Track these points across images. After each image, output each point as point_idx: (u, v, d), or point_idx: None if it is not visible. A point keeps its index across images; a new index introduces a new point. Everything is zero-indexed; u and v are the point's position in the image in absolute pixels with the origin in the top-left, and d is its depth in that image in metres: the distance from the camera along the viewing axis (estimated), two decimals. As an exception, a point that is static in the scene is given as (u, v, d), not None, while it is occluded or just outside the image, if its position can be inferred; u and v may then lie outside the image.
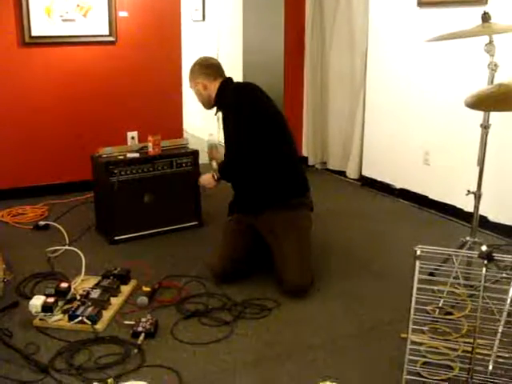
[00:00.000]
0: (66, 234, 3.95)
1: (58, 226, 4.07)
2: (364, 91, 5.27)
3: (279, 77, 5.97)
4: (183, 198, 4.17)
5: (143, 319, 2.81)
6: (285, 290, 3.19)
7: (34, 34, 4.66)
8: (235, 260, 3.33)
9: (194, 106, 7.45)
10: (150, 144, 4.03)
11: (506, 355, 2.32)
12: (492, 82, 3.00)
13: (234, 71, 6.63)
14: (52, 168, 4.99)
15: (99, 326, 2.80)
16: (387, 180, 5.13)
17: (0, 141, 4.75)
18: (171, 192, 4.10)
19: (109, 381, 2.27)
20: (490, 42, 2.97)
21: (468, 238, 3.26)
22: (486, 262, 2.06)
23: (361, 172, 5.47)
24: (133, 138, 5.21)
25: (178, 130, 5.38)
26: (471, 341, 2.17)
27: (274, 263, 3.29)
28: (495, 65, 2.98)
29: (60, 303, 2.92)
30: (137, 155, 4.00)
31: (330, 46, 5.64)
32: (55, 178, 5.01)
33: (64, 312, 2.87)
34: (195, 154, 4.18)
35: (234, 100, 3.44)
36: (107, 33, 4.95)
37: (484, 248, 2.10)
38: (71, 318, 2.82)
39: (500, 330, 2.32)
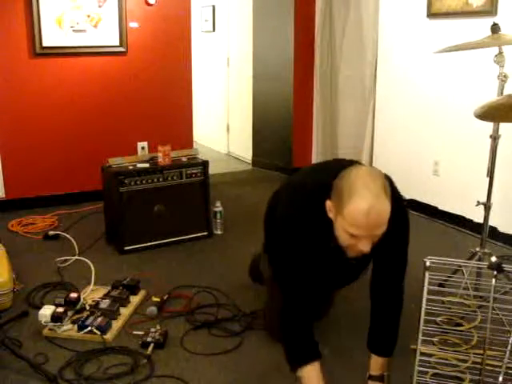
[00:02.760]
0: (75, 244, 3.97)
1: (68, 236, 4.09)
2: (374, 102, 5.28)
3: (289, 87, 5.98)
4: (193, 208, 4.17)
5: (152, 329, 2.82)
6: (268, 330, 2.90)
7: (45, 44, 4.70)
8: None
9: (203, 116, 7.52)
10: (160, 154, 4.04)
11: (517, 367, 2.31)
12: (502, 92, 2.99)
13: (244, 81, 6.68)
14: (62, 178, 5.02)
15: (108, 337, 2.81)
16: (397, 190, 5.11)
17: (10, 151, 4.78)
18: (181, 202, 4.11)
19: (118, 391, 2.28)
20: (500, 52, 2.97)
21: (478, 249, 3.25)
22: (495, 272, 2.05)
23: (370, 182, 5.45)
24: (143, 148, 5.23)
25: (188, 140, 5.40)
26: (481, 352, 2.16)
27: None
28: (505, 76, 2.98)
29: (69, 313, 2.93)
30: (147, 165, 4.02)
31: (340, 56, 5.65)
32: (65, 188, 5.04)
33: (73, 322, 2.88)
34: (205, 164, 4.18)
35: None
36: (118, 43, 4.98)
37: (494, 259, 2.09)
38: (81, 328, 2.83)
39: (510, 341, 2.30)
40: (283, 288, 2.35)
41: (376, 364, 2.39)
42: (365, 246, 2.07)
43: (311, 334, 2.33)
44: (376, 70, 5.21)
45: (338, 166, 2.23)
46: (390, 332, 2.41)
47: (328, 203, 2.09)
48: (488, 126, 3.10)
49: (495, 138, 3.10)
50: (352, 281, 2.74)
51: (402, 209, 2.31)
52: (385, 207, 2.00)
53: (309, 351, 2.31)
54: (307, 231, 2.22)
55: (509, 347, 2.28)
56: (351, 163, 2.40)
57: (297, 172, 2.62)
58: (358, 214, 1.98)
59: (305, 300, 2.31)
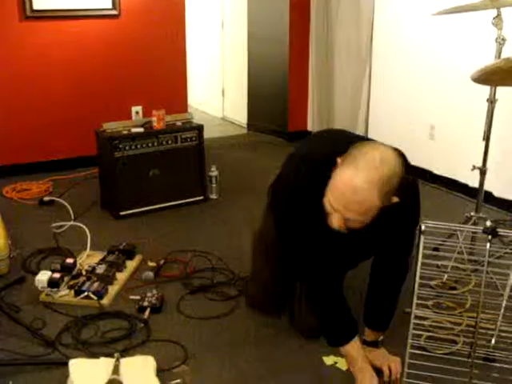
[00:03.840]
0: (70, 210, 3.96)
1: (63, 202, 4.07)
2: (370, 64, 5.24)
3: (284, 49, 5.92)
4: (188, 172, 4.16)
5: (149, 294, 2.83)
6: (296, 329, 2.68)
7: (35, 7, 4.61)
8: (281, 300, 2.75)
9: (198, 80, 7.46)
10: (155, 118, 4.01)
11: (509, 329, 2.33)
12: (499, 56, 2.97)
13: (239, 44, 6.61)
14: (56, 143, 4.98)
15: (105, 301, 2.83)
16: (392, 154, 5.10)
17: (3, 117, 4.74)
18: (176, 167, 4.10)
19: (115, 355, 2.29)
20: (498, 15, 2.93)
21: (473, 214, 3.26)
22: (490, 237, 2.06)
23: (366, 146, 5.44)
24: (137, 112, 5.19)
25: (182, 105, 5.36)
26: (474, 315, 2.18)
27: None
28: (503, 39, 2.95)
29: (66, 279, 2.94)
30: (141, 130, 3.99)
31: (336, 18, 5.57)
32: (59, 153, 5.01)
33: (70, 287, 2.90)
34: (200, 128, 4.16)
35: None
36: (110, 6, 4.90)
37: (488, 223, 2.10)
38: (77, 293, 2.84)
39: (503, 305, 2.32)
40: (302, 265, 2.31)
41: (371, 332, 2.42)
42: (334, 221, 1.94)
43: (343, 307, 2.31)
44: (372, 32, 5.16)
45: (345, 139, 2.18)
46: (387, 310, 2.41)
47: (338, 159, 1.94)
48: (485, 90, 3.08)
49: (492, 101, 3.08)
50: (355, 262, 2.60)
51: (414, 191, 2.21)
52: (367, 197, 1.84)
53: (343, 330, 2.29)
54: (309, 200, 2.09)
55: (502, 310, 2.30)
56: (358, 138, 2.37)
57: (303, 141, 2.53)
58: (338, 182, 1.87)
59: (326, 273, 2.27)
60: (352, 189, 1.84)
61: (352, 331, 2.29)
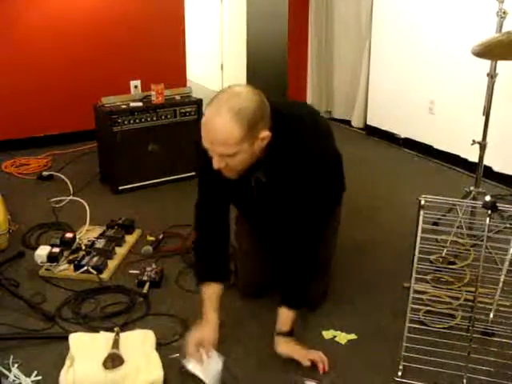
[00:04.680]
0: (70, 185, 3.96)
1: (62, 177, 4.07)
2: (369, 40, 5.19)
3: (284, 24, 5.87)
4: (187, 147, 4.14)
5: (148, 268, 2.84)
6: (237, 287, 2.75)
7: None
8: (265, 281, 2.75)
9: (197, 54, 7.40)
10: (154, 93, 3.99)
11: (507, 304, 2.34)
12: (500, 29, 2.94)
13: (238, 18, 6.55)
14: (54, 118, 4.96)
15: (105, 276, 2.84)
16: (392, 129, 5.09)
17: (1, 92, 4.71)
18: (175, 141, 4.08)
19: (115, 329, 2.30)
20: (500, -13, 2.90)
21: (472, 188, 3.26)
22: (489, 212, 2.05)
23: (366, 121, 5.43)
24: (136, 86, 5.15)
25: (181, 79, 5.33)
26: (473, 290, 2.19)
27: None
28: (504, 12, 2.92)
29: (65, 253, 2.94)
30: (140, 104, 3.97)
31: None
32: (58, 128, 4.99)
33: (69, 262, 2.90)
34: (199, 102, 4.14)
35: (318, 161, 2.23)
36: (108, -21, 4.85)
37: (488, 198, 2.09)
38: (77, 267, 2.85)
39: (502, 280, 2.33)
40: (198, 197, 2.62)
41: (285, 314, 2.30)
42: (214, 162, 2.05)
43: (222, 252, 2.45)
44: (372, 7, 5.10)
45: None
46: (291, 284, 2.32)
47: None
48: (485, 64, 3.06)
49: (492, 76, 3.06)
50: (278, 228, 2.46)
51: (317, 160, 2.20)
52: (223, 128, 1.93)
53: (213, 270, 2.40)
54: None
55: (500, 285, 2.31)
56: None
57: None
58: (202, 123, 2.00)
59: (216, 211, 2.52)
60: (206, 123, 1.98)
61: (219, 274, 2.39)
